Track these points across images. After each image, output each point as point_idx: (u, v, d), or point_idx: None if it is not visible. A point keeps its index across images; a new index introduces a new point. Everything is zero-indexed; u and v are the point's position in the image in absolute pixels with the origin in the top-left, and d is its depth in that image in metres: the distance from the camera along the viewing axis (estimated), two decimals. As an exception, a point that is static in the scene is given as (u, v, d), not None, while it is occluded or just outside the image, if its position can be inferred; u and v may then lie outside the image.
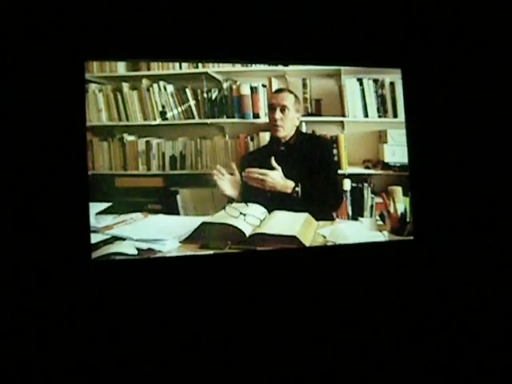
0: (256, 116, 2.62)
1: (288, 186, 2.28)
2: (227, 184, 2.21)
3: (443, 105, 2.35)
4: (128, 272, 1.89)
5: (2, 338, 1.69)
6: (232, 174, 2.24)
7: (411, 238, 2.18)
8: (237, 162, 2.35)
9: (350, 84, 2.49)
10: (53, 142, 1.86)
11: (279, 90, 2.46)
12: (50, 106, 1.87)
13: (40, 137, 1.84)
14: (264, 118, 2.65)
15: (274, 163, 2.28)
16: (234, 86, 2.60)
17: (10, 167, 1.78)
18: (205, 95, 2.57)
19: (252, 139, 2.64)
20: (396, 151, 2.43)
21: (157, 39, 2.09)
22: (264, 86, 2.64)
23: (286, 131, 2.36)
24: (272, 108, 2.39)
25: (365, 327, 2.11)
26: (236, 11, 2.18)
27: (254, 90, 2.64)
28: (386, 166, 2.49)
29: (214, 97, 2.59)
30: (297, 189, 2.25)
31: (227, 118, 2.59)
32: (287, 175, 2.33)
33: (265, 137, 2.65)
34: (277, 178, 2.26)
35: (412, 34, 2.34)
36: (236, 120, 2.58)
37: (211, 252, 2.13)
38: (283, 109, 2.33)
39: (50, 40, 1.87)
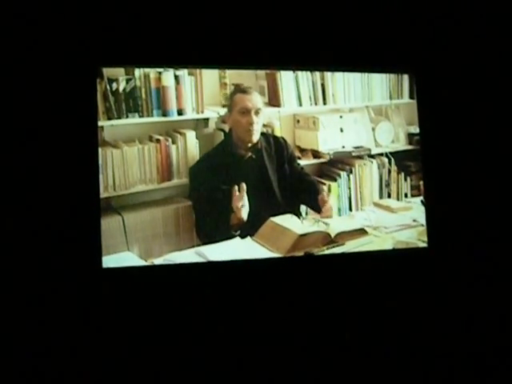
0: (181, 112, 2.02)
1: None
2: (245, 209, 1.95)
3: (459, 110, 2.18)
4: (138, 280, 1.83)
5: (13, 342, 1.69)
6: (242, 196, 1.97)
7: (425, 245, 2.10)
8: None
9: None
10: (63, 149, 1.77)
11: (247, 91, 2.04)
12: (62, 109, 1.77)
13: (51, 144, 1.76)
14: (191, 115, 2.02)
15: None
16: (152, 75, 1.89)
17: (20, 175, 1.73)
18: (108, 86, 1.85)
19: (174, 142, 2.03)
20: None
21: (169, 45, 1.85)
22: (191, 74, 1.96)
23: (259, 135, 2.08)
24: (246, 111, 2.02)
25: (377, 335, 2.04)
26: (247, 15, 1.93)
27: (178, 79, 1.95)
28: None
29: (121, 88, 1.88)
30: None
31: (140, 116, 1.93)
32: (262, 182, 2.09)
33: (192, 137, 2.05)
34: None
35: (424, 39, 2.15)
36: (156, 119, 1.97)
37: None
38: (257, 112, 2.04)
39: (62, 47, 1.76)
